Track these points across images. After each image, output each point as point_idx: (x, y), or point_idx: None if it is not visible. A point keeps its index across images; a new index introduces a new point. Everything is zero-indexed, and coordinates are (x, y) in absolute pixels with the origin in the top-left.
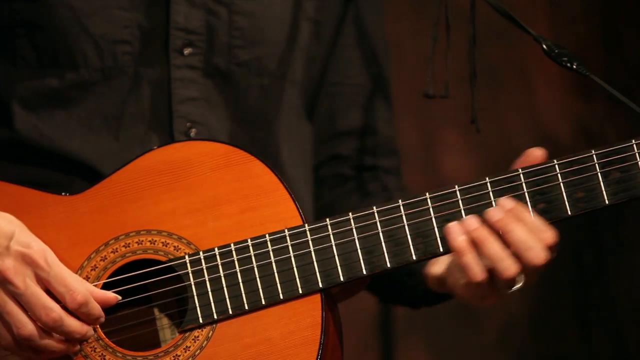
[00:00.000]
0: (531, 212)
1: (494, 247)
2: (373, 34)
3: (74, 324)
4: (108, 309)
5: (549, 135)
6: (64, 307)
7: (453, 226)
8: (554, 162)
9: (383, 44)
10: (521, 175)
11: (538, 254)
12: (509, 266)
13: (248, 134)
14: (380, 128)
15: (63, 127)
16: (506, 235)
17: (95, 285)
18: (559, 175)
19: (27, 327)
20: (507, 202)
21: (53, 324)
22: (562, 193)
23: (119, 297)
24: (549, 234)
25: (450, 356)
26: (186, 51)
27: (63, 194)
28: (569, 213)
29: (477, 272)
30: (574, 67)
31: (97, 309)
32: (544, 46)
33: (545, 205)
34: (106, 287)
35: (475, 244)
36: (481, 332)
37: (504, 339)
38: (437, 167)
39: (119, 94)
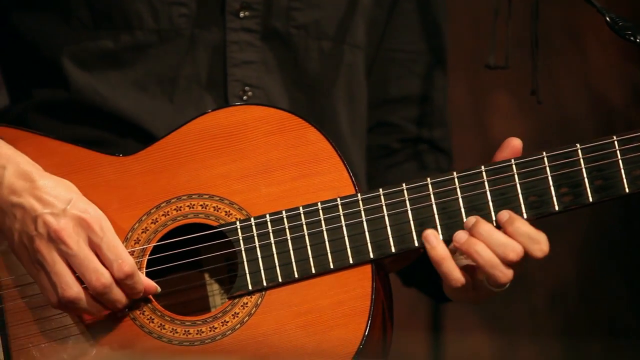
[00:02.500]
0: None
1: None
2: (434, 1)
3: (119, 294)
4: (159, 271)
5: (602, 99)
6: None
7: (429, 235)
8: (613, 138)
9: (443, 12)
10: (579, 151)
11: (505, 273)
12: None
13: (306, 99)
14: (433, 97)
15: (118, 88)
16: (472, 257)
17: (145, 249)
18: (617, 152)
19: (73, 289)
20: (470, 220)
21: (102, 289)
22: (620, 170)
23: (159, 289)
24: (512, 252)
25: (500, 321)
26: (242, 14)
27: (116, 154)
28: (627, 190)
29: (456, 278)
30: (638, 40)
31: (140, 283)
32: (608, 18)
33: (603, 182)
34: (156, 250)
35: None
36: (530, 297)
37: (554, 303)
38: (488, 131)
39: (175, 56)
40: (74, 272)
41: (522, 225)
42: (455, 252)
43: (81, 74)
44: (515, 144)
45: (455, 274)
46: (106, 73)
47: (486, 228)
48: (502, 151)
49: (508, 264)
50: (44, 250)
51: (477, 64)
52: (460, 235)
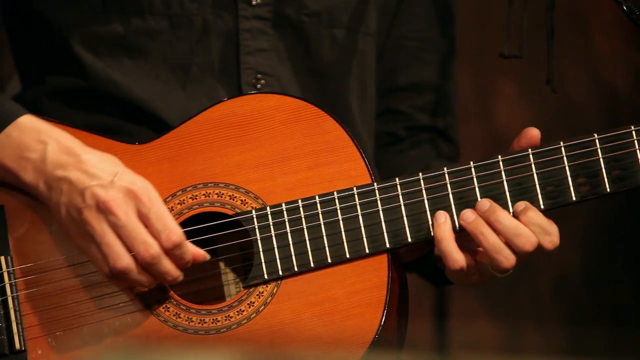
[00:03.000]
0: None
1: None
2: None
3: (168, 265)
4: None
5: (607, 86)
6: None
7: (440, 214)
8: (631, 128)
9: (452, 1)
10: (597, 141)
11: (508, 258)
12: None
13: (318, 87)
14: (441, 86)
15: (130, 75)
16: (477, 239)
17: None
18: (635, 142)
19: (124, 259)
20: (484, 203)
21: (151, 260)
22: (638, 160)
23: (208, 256)
24: (527, 242)
25: (504, 308)
26: (254, 1)
27: (132, 142)
28: None
29: (455, 259)
30: None
31: (189, 253)
32: (625, 7)
33: (620, 172)
34: None
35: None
36: (535, 284)
37: (558, 289)
38: (492, 118)
39: (187, 43)
40: (124, 243)
41: (535, 215)
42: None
43: (94, 60)
44: (533, 134)
45: (454, 254)
46: (119, 60)
47: (502, 214)
48: (520, 141)
49: (518, 252)
50: (94, 221)
51: (481, 52)
52: (468, 215)
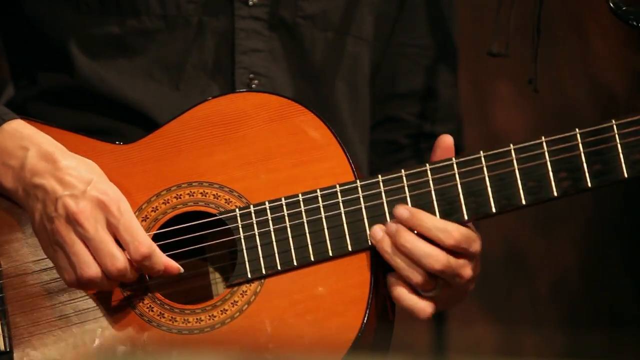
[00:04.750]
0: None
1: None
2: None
3: (136, 276)
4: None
5: (604, 87)
6: None
7: (376, 230)
8: (612, 122)
9: (452, 7)
10: (578, 136)
11: (415, 275)
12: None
13: (311, 89)
14: (442, 93)
15: (124, 75)
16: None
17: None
18: (616, 136)
19: (91, 269)
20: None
21: (117, 273)
22: (619, 154)
23: (181, 270)
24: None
25: (503, 308)
26: (251, 2)
27: (117, 142)
28: (625, 175)
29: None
30: None
31: (159, 264)
32: (611, 4)
33: (601, 167)
34: (157, 237)
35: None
36: (533, 286)
37: (556, 291)
38: (489, 120)
39: (182, 43)
40: (92, 254)
41: (427, 218)
42: None
43: (87, 60)
44: (446, 141)
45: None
46: (113, 60)
47: (405, 235)
48: (436, 151)
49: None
50: (63, 231)
51: (477, 53)
52: (376, 232)
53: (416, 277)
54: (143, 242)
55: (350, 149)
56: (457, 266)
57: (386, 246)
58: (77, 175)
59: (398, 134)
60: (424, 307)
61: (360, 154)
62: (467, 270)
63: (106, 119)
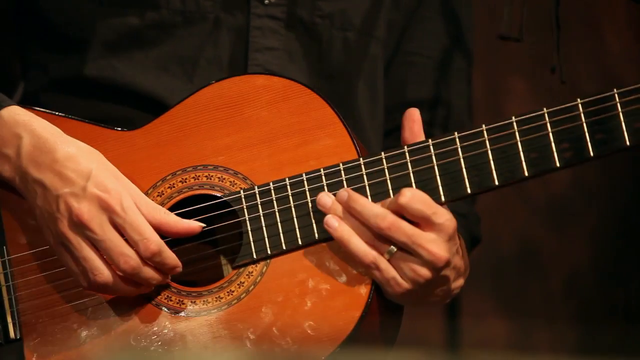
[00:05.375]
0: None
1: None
2: (459, 7)
3: (150, 272)
4: (168, 243)
5: (616, 82)
6: None
7: (329, 219)
8: (614, 91)
9: (469, 17)
10: (580, 105)
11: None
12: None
13: (328, 88)
14: (453, 102)
15: (139, 66)
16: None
17: None
18: (618, 104)
19: (104, 273)
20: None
21: (131, 271)
22: (621, 123)
23: (203, 225)
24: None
25: (516, 304)
26: (267, 1)
27: (122, 129)
28: (628, 143)
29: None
30: None
31: (171, 259)
32: None
33: (604, 136)
34: None
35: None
36: (546, 282)
37: (569, 287)
38: (503, 115)
39: (198, 38)
40: (101, 255)
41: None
42: None
43: (102, 51)
44: (412, 112)
45: (361, 249)
46: (128, 51)
47: (360, 202)
48: (405, 126)
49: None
50: (69, 235)
51: (491, 50)
52: (331, 221)
53: (364, 234)
54: (151, 238)
55: (368, 150)
56: (418, 235)
57: (338, 212)
58: (75, 168)
59: None
60: (373, 258)
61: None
62: (436, 246)
63: (118, 108)
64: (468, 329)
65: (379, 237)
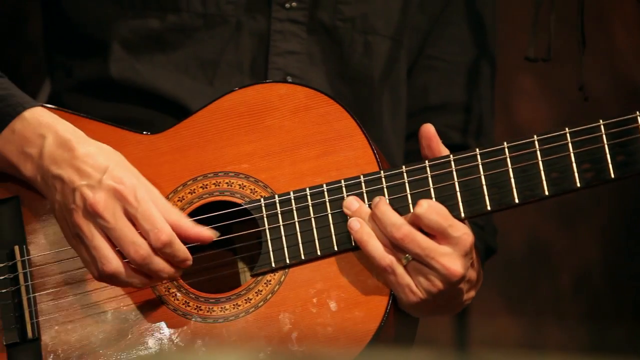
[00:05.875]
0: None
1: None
2: (483, 12)
3: (161, 263)
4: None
5: (627, 82)
6: None
7: (352, 221)
8: (636, 114)
9: (492, 20)
10: (602, 127)
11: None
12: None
13: (350, 92)
14: (476, 107)
15: (159, 69)
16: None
17: None
18: None
19: (112, 263)
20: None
21: (141, 261)
22: None
23: (217, 233)
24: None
25: (525, 302)
26: (288, 5)
27: (144, 132)
28: None
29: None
30: None
31: (181, 251)
32: None
33: (625, 158)
34: None
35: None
36: (556, 280)
37: (580, 285)
38: (513, 113)
39: (219, 41)
40: (113, 245)
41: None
42: None
43: (124, 53)
44: (428, 129)
45: (378, 253)
46: (150, 54)
47: (381, 209)
48: (422, 143)
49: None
50: (82, 224)
51: (501, 47)
52: (354, 223)
53: (383, 239)
54: (163, 229)
55: (389, 154)
56: (432, 249)
57: (363, 216)
58: (92, 164)
59: None
60: (390, 262)
61: (398, 160)
62: (451, 260)
63: (140, 110)
64: (477, 327)
65: (396, 245)
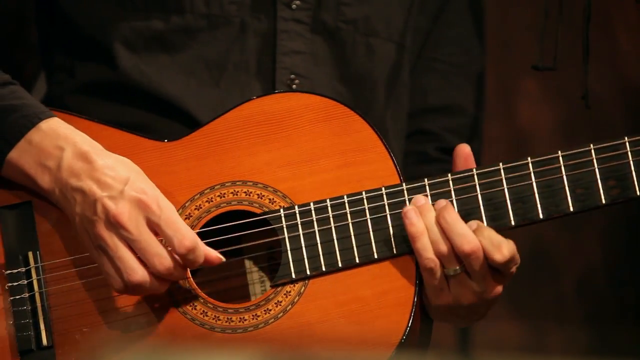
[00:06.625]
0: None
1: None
2: (480, 13)
3: (183, 273)
4: None
5: (630, 84)
6: None
7: (409, 211)
8: None
9: (484, 23)
10: (627, 144)
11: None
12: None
13: (352, 93)
14: (470, 111)
15: (165, 71)
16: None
17: None
18: None
19: (138, 273)
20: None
21: (165, 272)
22: None
23: (223, 259)
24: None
25: (528, 305)
26: (294, 5)
27: (160, 140)
28: None
29: (429, 257)
30: None
31: (201, 256)
32: None
33: None
34: (200, 236)
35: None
36: (558, 283)
37: (581, 288)
38: (515, 115)
39: (224, 42)
40: (136, 255)
41: (485, 229)
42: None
43: (129, 55)
44: (465, 150)
45: (428, 252)
46: (155, 56)
47: (453, 216)
48: (456, 162)
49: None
50: (106, 236)
51: (503, 50)
52: (412, 214)
53: (443, 248)
54: (186, 235)
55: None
56: (490, 275)
57: (425, 211)
58: (114, 175)
59: (428, 145)
60: (434, 265)
61: (399, 161)
62: (499, 288)
63: (144, 113)
64: (479, 330)
65: (451, 253)
